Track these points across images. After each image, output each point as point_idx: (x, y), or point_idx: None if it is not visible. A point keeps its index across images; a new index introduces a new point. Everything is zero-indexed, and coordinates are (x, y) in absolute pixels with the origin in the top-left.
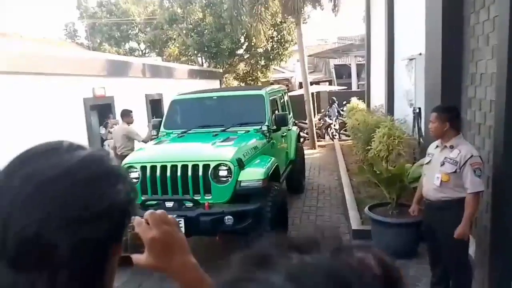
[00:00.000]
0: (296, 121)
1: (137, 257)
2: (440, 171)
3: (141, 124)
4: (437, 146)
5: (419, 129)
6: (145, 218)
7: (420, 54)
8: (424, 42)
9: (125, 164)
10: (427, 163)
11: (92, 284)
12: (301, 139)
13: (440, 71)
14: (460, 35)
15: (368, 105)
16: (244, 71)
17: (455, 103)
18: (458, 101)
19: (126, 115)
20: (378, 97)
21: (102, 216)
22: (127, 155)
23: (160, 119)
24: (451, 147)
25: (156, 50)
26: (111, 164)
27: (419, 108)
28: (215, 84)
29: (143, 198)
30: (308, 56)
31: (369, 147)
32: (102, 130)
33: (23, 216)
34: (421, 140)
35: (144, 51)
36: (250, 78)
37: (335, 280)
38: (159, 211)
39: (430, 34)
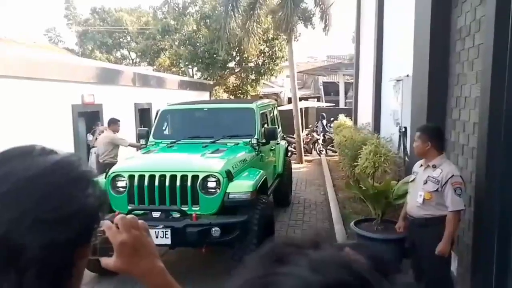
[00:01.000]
0: (284, 136)
1: (106, 260)
2: (423, 189)
3: (129, 133)
4: (421, 165)
5: (405, 147)
6: (115, 223)
7: (407, 75)
8: (412, 65)
9: (113, 172)
10: (411, 181)
11: (59, 286)
12: (289, 154)
13: (426, 93)
14: (447, 60)
15: (355, 122)
16: (234, 84)
17: (440, 124)
18: (443, 122)
19: (114, 123)
20: (365, 115)
21: (72, 219)
22: (109, 162)
23: (147, 128)
24: (434, 166)
25: (147, 60)
26: (82, 169)
27: (405, 128)
28: (205, 95)
29: (129, 207)
30: (298, 72)
31: (355, 164)
32: (89, 137)
33: None
34: (406, 158)
35: (135, 60)
36: (240, 91)
37: (349, 270)
38: (129, 216)
39: (418, 57)
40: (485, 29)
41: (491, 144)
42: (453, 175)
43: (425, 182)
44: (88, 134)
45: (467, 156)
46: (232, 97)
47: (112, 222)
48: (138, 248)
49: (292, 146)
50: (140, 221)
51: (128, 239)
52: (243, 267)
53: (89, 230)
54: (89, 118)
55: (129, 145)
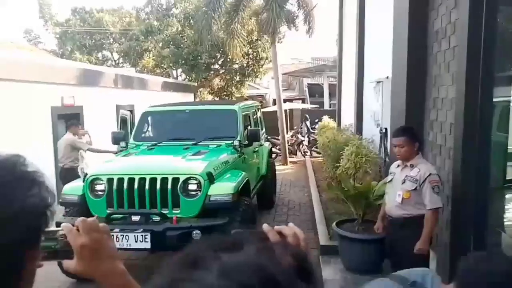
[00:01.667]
0: (268, 137)
1: (67, 263)
2: (401, 188)
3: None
4: (398, 165)
5: (385, 148)
6: (76, 225)
7: (387, 77)
8: (391, 66)
9: (91, 175)
10: (389, 182)
11: None
12: (274, 155)
13: (404, 94)
14: (424, 62)
15: (339, 123)
16: (219, 86)
17: (418, 125)
18: (421, 123)
19: (74, 125)
20: (348, 117)
21: (14, 219)
22: (70, 167)
23: (122, 131)
24: (411, 165)
25: (131, 61)
26: (26, 169)
27: (386, 129)
28: (189, 97)
29: (108, 211)
30: (282, 74)
31: (338, 165)
32: None
33: None
34: (387, 158)
35: (117, 61)
36: (225, 93)
37: (261, 273)
38: (90, 219)
39: (396, 59)
40: (459, 31)
41: (467, 144)
42: (430, 174)
43: (403, 182)
44: None
45: (445, 156)
46: (217, 99)
47: (73, 225)
48: (98, 250)
49: (277, 147)
50: (101, 224)
51: (88, 241)
52: (161, 269)
53: (35, 231)
54: (69, 120)
55: (88, 150)
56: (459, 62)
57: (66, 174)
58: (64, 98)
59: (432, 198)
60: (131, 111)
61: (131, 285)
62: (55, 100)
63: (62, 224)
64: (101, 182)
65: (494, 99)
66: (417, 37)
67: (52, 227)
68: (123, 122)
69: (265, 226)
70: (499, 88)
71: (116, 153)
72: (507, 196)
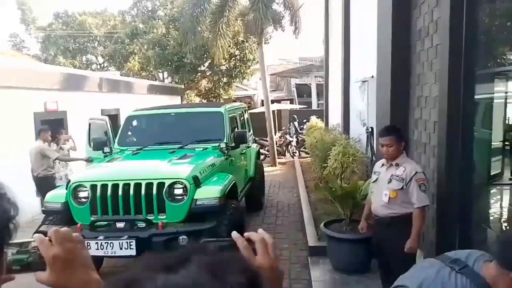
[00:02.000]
0: (256, 139)
1: (39, 275)
2: (387, 188)
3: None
4: (383, 165)
5: (372, 147)
6: (49, 236)
7: (372, 76)
8: (376, 66)
9: (74, 182)
10: (374, 181)
11: None
12: (262, 156)
13: (389, 93)
14: (408, 60)
15: (327, 123)
16: (206, 88)
17: (403, 123)
18: (406, 121)
19: (43, 132)
20: (335, 116)
21: None
22: (44, 176)
23: (104, 138)
24: (397, 164)
25: (116, 64)
26: None
27: (372, 128)
28: (176, 100)
29: (92, 218)
30: (270, 75)
31: (325, 165)
32: (54, 147)
33: None
34: (373, 158)
35: (102, 65)
36: (212, 95)
37: None
38: (63, 229)
39: (381, 58)
40: (441, 30)
41: (451, 142)
42: (416, 172)
43: (390, 181)
44: (51, 143)
45: (429, 154)
46: (204, 101)
47: (46, 235)
48: (71, 261)
49: (265, 149)
50: (74, 234)
51: (60, 252)
52: None
53: None
54: (53, 126)
55: (56, 159)
56: (441, 60)
57: (40, 182)
58: (47, 103)
59: (419, 196)
60: (117, 115)
61: None
62: (38, 106)
63: (34, 235)
64: (85, 188)
65: (477, 96)
66: (400, 36)
67: (25, 239)
68: (97, 129)
69: (233, 234)
70: (481, 85)
71: (87, 160)
72: (492, 192)
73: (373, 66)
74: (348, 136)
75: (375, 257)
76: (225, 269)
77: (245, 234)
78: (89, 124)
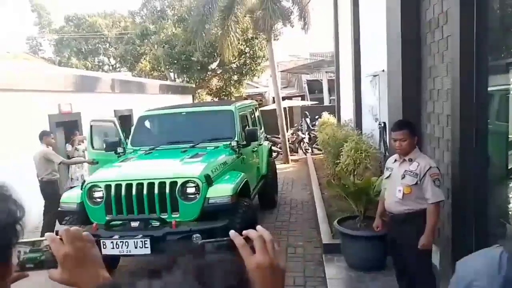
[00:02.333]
0: (268, 136)
1: (52, 272)
2: (401, 184)
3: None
4: (395, 160)
5: (385, 142)
6: (60, 235)
7: (383, 70)
8: (386, 59)
9: (89, 183)
10: (387, 177)
11: None
12: (274, 154)
13: (400, 87)
14: (418, 53)
15: (339, 119)
16: (217, 86)
17: (416, 118)
18: (418, 115)
19: (45, 136)
20: (347, 112)
21: None
22: (49, 180)
23: (117, 139)
24: (410, 160)
25: (127, 65)
26: None
27: (384, 123)
28: (188, 99)
29: (107, 218)
30: (280, 71)
31: (338, 161)
32: (69, 148)
33: None
34: (386, 153)
35: (114, 66)
36: (223, 93)
37: None
38: (73, 228)
39: (391, 52)
40: (452, 20)
41: (464, 136)
42: (430, 167)
43: (403, 177)
44: (67, 144)
45: (443, 148)
46: (216, 99)
47: (57, 234)
48: (81, 259)
49: (278, 146)
50: (84, 233)
51: (71, 251)
52: None
53: (4, 248)
54: (67, 127)
55: (61, 163)
56: (453, 52)
57: (45, 187)
58: (62, 106)
59: (434, 192)
60: (129, 116)
61: None
62: (52, 108)
63: (45, 234)
64: (99, 189)
65: (490, 88)
66: (410, 29)
67: (37, 237)
68: (102, 133)
69: (231, 233)
70: (495, 76)
71: (91, 162)
72: (510, 185)
73: (383, 60)
74: (361, 131)
75: (390, 254)
76: (211, 274)
77: (244, 232)
78: (91, 127)
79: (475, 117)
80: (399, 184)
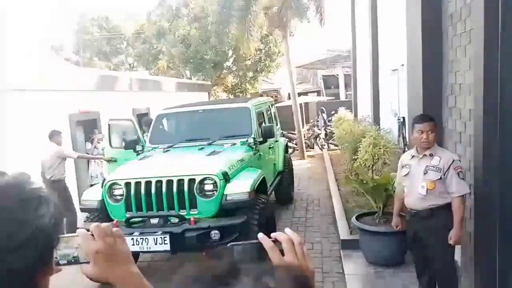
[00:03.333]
0: (284, 132)
1: (84, 267)
2: (424, 179)
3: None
4: (413, 156)
5: (404, 137)
6: (91, 231)
7: (403, 65)
8: (406, 53)
9: (109, 181)
10: (405, 175)
11: None
12: (290, 150)
13: (421, 81)
14: (439, 47)
15: (356, 115)
16: (233, 83)
17: (437, 113)
18: (439, 110)
19: (56, 135)
20: (364, 107)
21: (27, 244)
22: (58, 179)
23: (136, 138)
24: (431, 155)
25: (144, 64)
26: (32, 188)
27: (403, 118)
28: (204, 96)
29: (127, 215)
30: (296, 67)
31: (355, 157)
32: (88, 146)
33: None
34: (406, 148)
35: (132, 65)
36: (239, 90)
37: None
38: (104, 224)
39: (411, 46)
40: (475, 13)
41: (487, 130)
42: (454, 160)
43: (425, 173)
44: (86, 143)
45: (465, 144)
46: (231, 96)
47: (88, 230)
48: (112, 255)
49: (294, 142)
50: (114, 229)
51: (102, 247)
52: None
53: (47, 249)
54: (87, 126)
55: (78, 157)
56: (476, 45)
57: (57, 186)
58: (81, 105)
59: (459, 185)
60: (147, 114)
61: (146, 287)
62: (72, 107)
63: (77, 231)
64: (119, 186)
65: None
66: (431, 22)
67: (70, 234)
68: (120, 131)
69: (260, 235)
70: None
71: (109, 160)
72: None
73: (403, 55)
74: (379, 127)
75: (411, 250)
76: (276, 279)
77: (272, 234)
78: (109, 125)
79: (499, 112)
80: (422, 180)
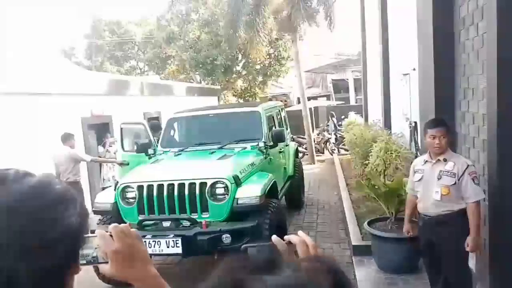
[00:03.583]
0: (294, 137)
1: (103, 267)
2: (438, 185)
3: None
4: (426, 161)
5: (416, 142)
6: (109, 231)
7: (414, 69)
8: (417, 58)
9: (122, 184)
10: (418, 180)
11: None
12: (301, 154)
13: (433, 86)
14: (452, 51)
15: (366, 119)
16: (242, 88)
17: (449, 117)
18: (452, 115)
19: (68, 138)
20: (375, 111)
21: (57, 242)
22: (73, 181)
23: (147, 141)
24: (445, 160)
25: (155, 69)
26: (61, 188)
27: (415, 122)
28: (213, 100)
29: (140, 218)
30: (305, 71)
31: (366, 162)
32: (100, 150)
33: None
34: (418, 153)
35: (143, 70)
36: (248, 94)
37: None
38: (122, 225)
39: (422, 50)
40: (488, 17)
41: (501, 135)
42: (468, 165)
43: (440, 178)
44: (99, 147)
45: (478, 148)
46: (241, 101)
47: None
48: (130, 255)
49: (303, 146)
50: (132, 230)
51: (121, 247)
52: None
53: (75, 248)
54: (99, 130)
55: (91, 161)
56: (489, 49)
57: (72, 188)
58: (93, 109)
59: (474, 190)
60: (158, 118)
61: (163, 286)
62: (85, 111)
63: (96, 231)
64: (132, 189)
65: None
66: (443, 26)
67: (89, 235)
68: (132, 135)
69: (274, 238)
70: None
71: (121, 164)
72: None
73: (414, 58)
74: (390, 131)
75: (424, 257)
76: (317, 269)
77: (285, 237)
78: (121, 129)
79: None
80: (436, 186)
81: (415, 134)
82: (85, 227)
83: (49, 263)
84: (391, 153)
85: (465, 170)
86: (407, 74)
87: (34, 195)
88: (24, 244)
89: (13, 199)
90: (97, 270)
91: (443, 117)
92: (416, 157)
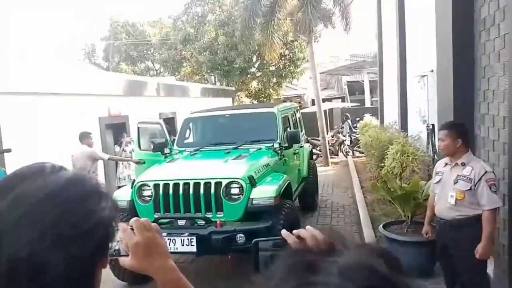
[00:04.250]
0: (308, 138)
1: (123, 260)
2: (454, 189)
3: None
4: (446, 164)
5: (433, 145)
6: (130, 225)
7: (432, 71)
8: (436, 59)
9: (139, 182)
10: (437, 182)
11: None
12: (315, 156)
13: (451, 87)
14: (471, 52)
15: (382, 121)
16: (257, 89)
17: (468, 120)
18: (471, 117)
19: (86, 137)
20: (391, 113)
21: (90, 233)
22: None
23: (163, 140)
24: (463, 164)
25: (170, 70)
26: (94, 183)
27: (432, 125)
28: (228, 102)
29: (156, 216)
30: (320, 73)
31: (382, 164)
32: (117, 149)
33: (16, 237)
34: (435, 156)
35: (158, 71)
36: (263, 95)
37: (378, 275)
38: (143, 219)
39: (441, 51)
40: (510, 18)
41: None
42: (486, 172)
43: (456, 182)
44: (115, 146)
45: (499, 151)
46: (255, 102)
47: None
48: (150, 248)
49: (317, 148)
50: (152, 224)
51: (141, 240)
52: (269, 277)
53: (106, 241)
54: (116, 130)
55: (109, 159)
56: (510, 50)
57: None
58: (111, 109)
59: (490, 198)
60: (173, 118)
61: (182, 280)
62: (102, 111)
63: (118, 225)
64: (148, 188)
65: None
66: (462, 26)
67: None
68: (148, 134)
69: (283, 232)
70: None
71: (138, 162)
72: None
73: (432, 60)
74: (406, 134)
75: (440, 261)
76: (373, 253)
77: (294, 231)
78: (138, 128)
79: None
80: (451, 189)
81: (433, 136)
82: (115, 221)
83: (81, 254)
84: (408, 155)
85: (482, 176)
86: (425, 75)
87: (70, 186)
88: (59, 233)
89: (50, 189)
90: (113, 266)
91: (460, 120)
92: (433, 160)
